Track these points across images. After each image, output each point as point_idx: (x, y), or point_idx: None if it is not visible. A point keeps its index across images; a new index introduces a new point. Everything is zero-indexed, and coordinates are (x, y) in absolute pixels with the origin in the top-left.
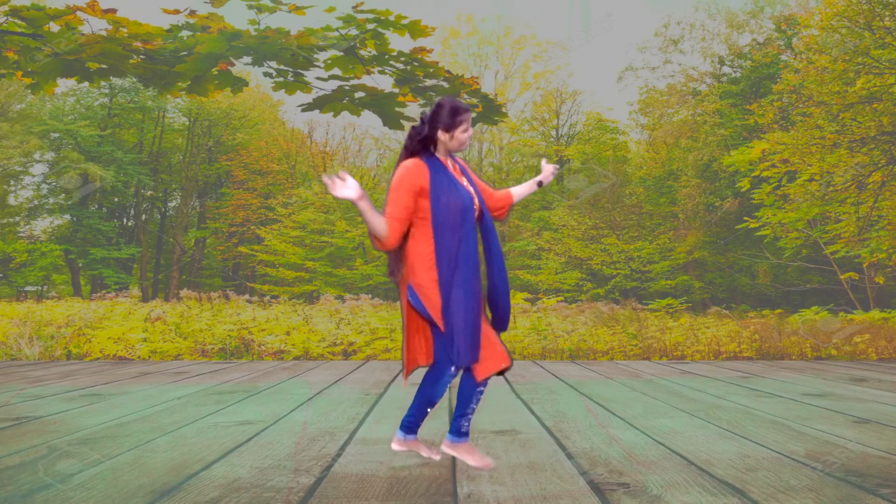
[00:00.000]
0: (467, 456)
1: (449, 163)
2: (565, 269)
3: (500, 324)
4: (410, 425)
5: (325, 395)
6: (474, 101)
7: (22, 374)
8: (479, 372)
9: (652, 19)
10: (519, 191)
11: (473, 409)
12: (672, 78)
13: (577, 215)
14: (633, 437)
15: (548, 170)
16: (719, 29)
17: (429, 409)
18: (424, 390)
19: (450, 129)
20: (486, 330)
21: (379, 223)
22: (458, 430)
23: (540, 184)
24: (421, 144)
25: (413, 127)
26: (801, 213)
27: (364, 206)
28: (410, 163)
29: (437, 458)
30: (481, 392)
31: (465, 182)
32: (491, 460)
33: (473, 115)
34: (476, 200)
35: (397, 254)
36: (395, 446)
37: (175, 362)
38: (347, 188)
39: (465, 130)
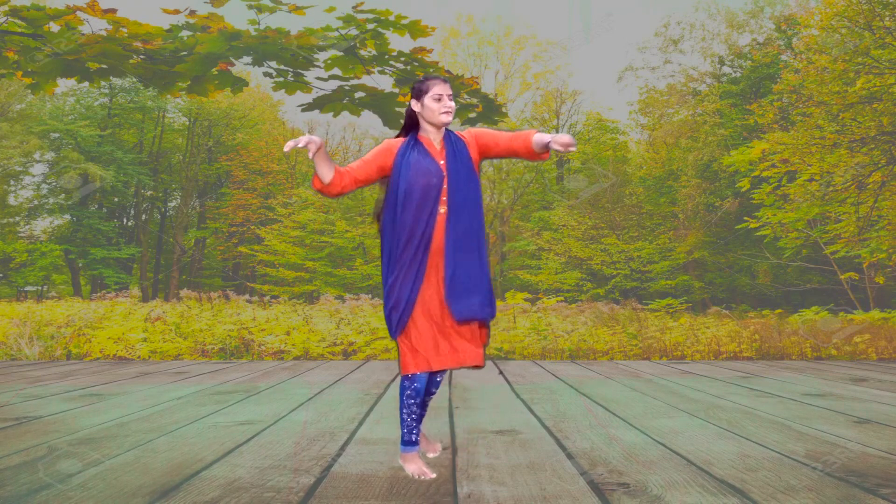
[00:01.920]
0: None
1: (435, 141)
2: (565, 269)
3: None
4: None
5: (325, 395)
6: (474, 100)
7: (22, 374)
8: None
9: (652, 19)
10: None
11: (402, 416)
12: (672, 78)
13: (577, 215)
14: (633, 437)
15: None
16: (719, 29)
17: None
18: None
19: (419, 96)
20: (425, 329)
21: (328, 170)
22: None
23: (546, 147)
24: (408, 121)
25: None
26: (801, 213)
27: (318, 170)
28: (388, 140)
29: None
30: (402, 394)
31: (442, 162)
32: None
33: (473, 114)
34: (445, 181)
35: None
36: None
37: (175, 362)
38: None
39: (438, 99)
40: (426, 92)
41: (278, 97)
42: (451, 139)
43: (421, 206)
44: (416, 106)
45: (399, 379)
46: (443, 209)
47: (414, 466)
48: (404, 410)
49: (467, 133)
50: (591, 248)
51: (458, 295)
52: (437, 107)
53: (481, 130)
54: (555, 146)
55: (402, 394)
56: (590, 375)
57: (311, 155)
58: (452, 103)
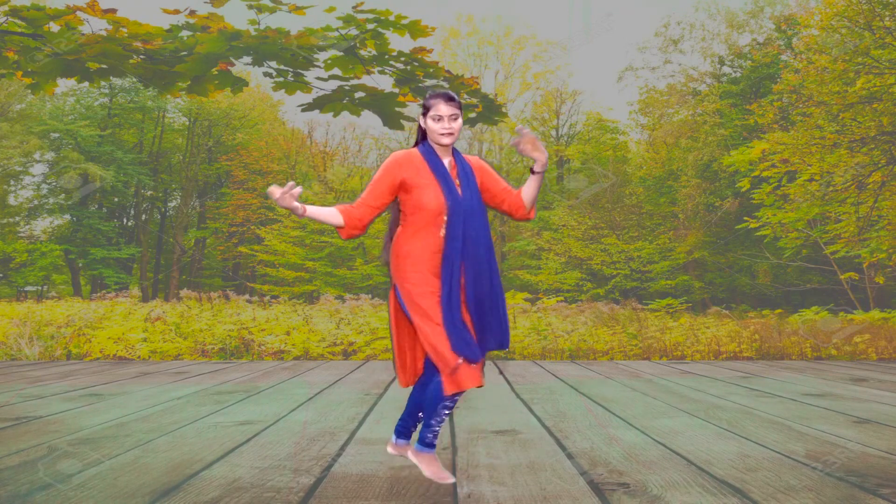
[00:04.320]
0: (426, 467)
1: (446, 159)
2: (565, 269)
3: (490, 342)
4: (403, 430)
5: (325, 395)
6: (474, 100)
7: (22, 374)
8: (448, 385)
9: (652, 19)
10: (526, 189)
11: (440, 423)
12: (672, 78)
13: (577, 215)
14: (633, 437)
15: (522, 142)
16: (719, 29)
17: (420, 415)
18: (413, 396)
19: (424, 113)
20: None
21: (333, 216)
22: (424, 440)
23: (533, 171)
24: (419, 134)
25: None
26: (801, 213)
27: (312, 213)
28: (398, 153)
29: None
30: (448, 408)
31: (458, 182)
32: (449, 475)
33: (472, 114)
34: (462, 203)
35: (387, 245)
36: (389, 449)
37: (175, 362)
38: (293, 205)
39: (437, 119)
40: (428, 110)
41: (278, 97)
42: (457, 156)
43: (442, 226)
44: (421, 122)
45: (397, 380)
46: (442, 232)
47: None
48: (443, 417)
49: (476, 162)
50: (591, 248)
51: (491, 316)
52: (436, 127)
53: (488, 168)
54: (522, 147)
55: (441, 405)
56: (590, 375)
57: (283, 204)
58: (455, 124)
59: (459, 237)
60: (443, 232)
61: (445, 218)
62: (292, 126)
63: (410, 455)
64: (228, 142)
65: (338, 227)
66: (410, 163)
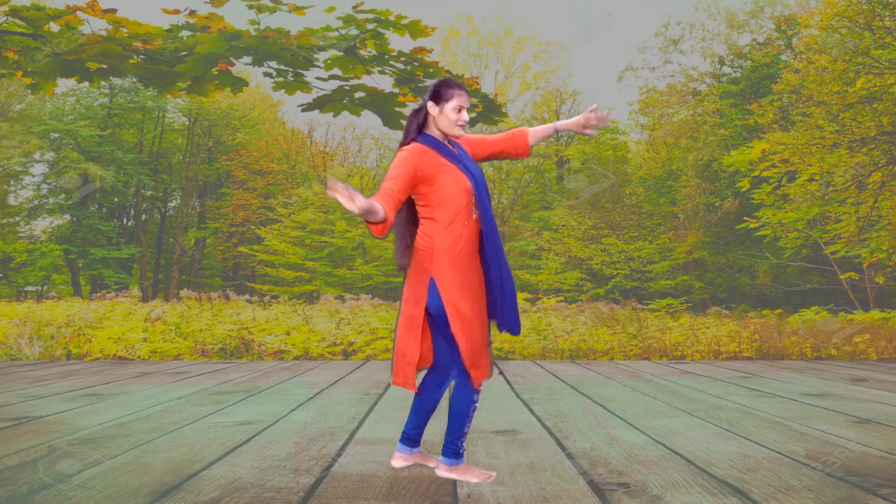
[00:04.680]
0: (470, 476)
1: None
2: (565, 269)
3: (509, 328)
4: (416, 437)
5: (325, 395)
6: (474, 101)
7: (22, 374)
8: (477, 378)
9: (652, 19)
10: (539, 133)
11: (469, 426)
12: (672, 78)
13: (577, 215)
14: (633, 437)
15: (591, 118)
16: (719, 29)
17: (429, 417)
18: (426, 396)
19: (439, 101)
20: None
21: (379, 211)
22: (457, 452)
23: (556, 129)
24: (414, 122)
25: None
26: (801, 213)
27: (373, 217)
28: (408, 147)
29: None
30: (476, 403)
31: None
32: (493, 472)
33: (473, 115)
34: (478, 176)
35: (407, 246)
36: (399, 463)
37: (175, 362)
38: (358, 202)
39: (458, 110)
40: (448, 99)
41: (278, 97)
42: (453, 143)
43: (471, 212)
44: (432, 109)
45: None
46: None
47: (477, 473)
48: (472, 418)
49: (462, 140)
50: (591, 248)
51: (512, 306)
52: (454, 118)
53: (471, 137)
54: (588, 130)
55: (473, 406)
56: (590, 375)
57: (359, 208)
58: (468, 116)
59: (489, 209)
60: (475, 214)
61: (474, 199)
62: (292, 126)
63: (444, 472)
64: (228, 142)
65: (379, 223)
66: (424, 155)
